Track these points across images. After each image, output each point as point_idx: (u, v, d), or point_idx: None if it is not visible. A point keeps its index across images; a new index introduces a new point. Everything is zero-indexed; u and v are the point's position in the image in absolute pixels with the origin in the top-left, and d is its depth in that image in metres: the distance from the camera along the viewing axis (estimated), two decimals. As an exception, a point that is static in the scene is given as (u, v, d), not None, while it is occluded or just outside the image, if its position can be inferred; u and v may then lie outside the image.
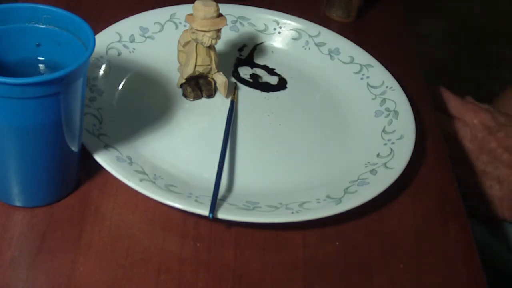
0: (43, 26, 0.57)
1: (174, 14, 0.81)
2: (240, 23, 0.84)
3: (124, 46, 0.76)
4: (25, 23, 0.57)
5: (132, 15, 0.79)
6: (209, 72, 0.73)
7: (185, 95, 0.73)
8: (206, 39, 0.68)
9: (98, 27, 0.75)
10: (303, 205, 0.62)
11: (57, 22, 0.57)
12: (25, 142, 0.54)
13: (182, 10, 0.81)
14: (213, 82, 0.74)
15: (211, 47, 0.71)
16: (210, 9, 0.67)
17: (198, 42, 0.69)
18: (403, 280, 0.60)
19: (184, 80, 0.73)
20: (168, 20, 0.81)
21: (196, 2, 0.68)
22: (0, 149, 0.54)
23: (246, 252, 0.60)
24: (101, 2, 0.86)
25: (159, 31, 0.80)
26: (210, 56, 0.71)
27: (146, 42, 0.78)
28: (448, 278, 0.61)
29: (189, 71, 0.71)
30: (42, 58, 0.59)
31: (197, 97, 0.73)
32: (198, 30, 0.68)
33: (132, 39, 0.77)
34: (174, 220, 0.61)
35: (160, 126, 0.69)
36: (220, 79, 0.73)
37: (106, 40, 0.75)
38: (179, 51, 0.73)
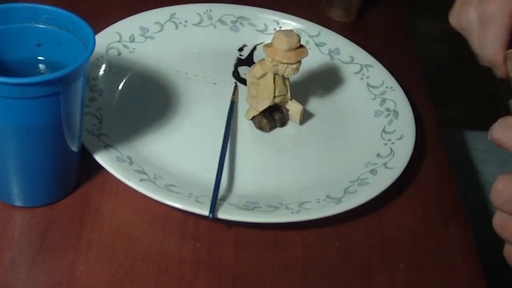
0: (43, 26, 0.57)
1: (174, 14, 0.81)
2: (240, 23, 0.83)
3: (124, 46, 0.76)
4: (25, 23, 0.57)
5: (132, 15, 0.79)
6: (285, 101, 0.71)
7: (260, 127, 0.71)
8: (289, 71, 0.66)
9: (98, 27, 0.75)
10: (303, 205, 0.62)
11: (57, 22, 0.57)
12: (25, 142, 0.54)
13: (182, 10, 0.81)
14: (285, 110, 0.71)
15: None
16: (294, 40, 0.65)
17: (278, 74, 0.67)
18: (403, 280, 0.60)
19: (257, 112, 0.70)
20: (168, 20, 0.81)
21: (276, 33, 0.66)
22: (0, 149, 0.54)
23: (246, 252, 0.60)
24: (101, 2, 0.86)
25: (159, 31, 0.80)
26: (286, 86, 0.69)
27: (146, 42, 0.78)
28: (448, 278, 0.61)
29: (267, 103, 0.69)
30: (42, 58, 0.59)
31: (272, 127, 0.71)
32: (282, 62, 0.65)
33: (132, 39, 0.77)
34: (174, 220, 0.61)
35: (160, 126, 0.69)
36: (294, 107, 0.71)
37: (106, 40, 0.75)
38: (250, 83, 0.70)
